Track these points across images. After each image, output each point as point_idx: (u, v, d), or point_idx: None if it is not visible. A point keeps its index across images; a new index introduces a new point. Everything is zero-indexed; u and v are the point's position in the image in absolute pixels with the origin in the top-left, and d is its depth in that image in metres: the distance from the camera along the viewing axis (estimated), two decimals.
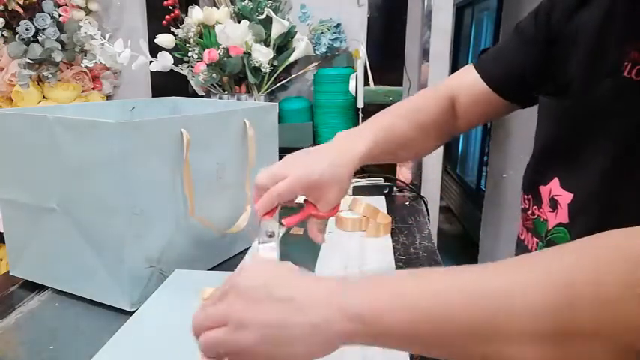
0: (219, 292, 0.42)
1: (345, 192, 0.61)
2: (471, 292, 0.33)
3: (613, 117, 0.52)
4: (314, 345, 0.36)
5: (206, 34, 1.38)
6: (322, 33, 1.46)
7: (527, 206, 0.64)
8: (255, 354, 0.38)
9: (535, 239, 0.63)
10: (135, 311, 0.66)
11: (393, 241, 0.93)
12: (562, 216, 0.57)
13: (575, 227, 0.56)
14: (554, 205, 0.58)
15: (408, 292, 0.35)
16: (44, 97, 1.51)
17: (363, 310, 0.35)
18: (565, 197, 0.57)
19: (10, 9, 1.43)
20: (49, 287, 0.77)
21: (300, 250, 0.88)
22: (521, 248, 0.67)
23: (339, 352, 0.37)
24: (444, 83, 0.75)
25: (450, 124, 0.73)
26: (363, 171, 1.27)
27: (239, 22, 1.37)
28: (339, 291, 0.37)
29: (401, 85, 1.43)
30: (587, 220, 0.55)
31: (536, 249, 0.62)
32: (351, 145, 0.62)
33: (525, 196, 0.65)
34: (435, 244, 0.95)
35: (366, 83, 1.39)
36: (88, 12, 1.55)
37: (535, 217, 0.62)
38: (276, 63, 1.38)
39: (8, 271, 0.80)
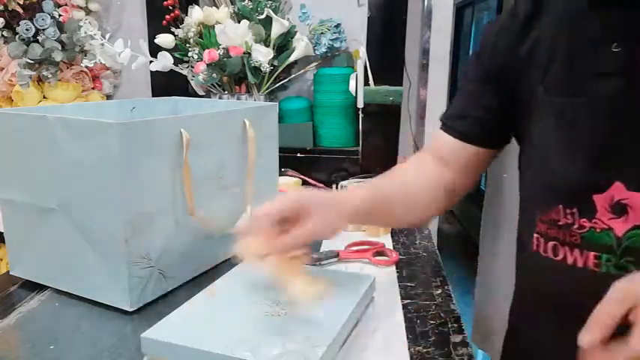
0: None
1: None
2: None
3: None
4: None
5: (206, 34, 1.38)
6: (322, 33, 1.46)
7: (570, 221, 0.58)
8: None
9: (591, 253, 0.57)
10: (135, 311, 0.66)
11: (392, 241, 0.93)
12: (636, 218, 0.53)
13: None
14: (621, 209, 0.54)
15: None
16: (44, 97, 1.51)
17: None
18: (636, 197, 0.53)
19: (10, 9, 1.43)
20: (49, 287, 0.77)
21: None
22: (553, 269, 0.60)
23: None
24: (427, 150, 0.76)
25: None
26: (363, 172, 1.27)
27: (239, 22, 1.36)
28: None
29: (401, 85, 1.42)
30: None
31: (596, 263, 0.56)
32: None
33: (568, 210, 0.58)
34: (435, 244, 0.95)
35: (366, 83, 1.39)
36: (88, 12, 1.55)
37: (586, 229, 0.57)
38: (276, 63, 1.38)
39: (8, 271, 0.80)
